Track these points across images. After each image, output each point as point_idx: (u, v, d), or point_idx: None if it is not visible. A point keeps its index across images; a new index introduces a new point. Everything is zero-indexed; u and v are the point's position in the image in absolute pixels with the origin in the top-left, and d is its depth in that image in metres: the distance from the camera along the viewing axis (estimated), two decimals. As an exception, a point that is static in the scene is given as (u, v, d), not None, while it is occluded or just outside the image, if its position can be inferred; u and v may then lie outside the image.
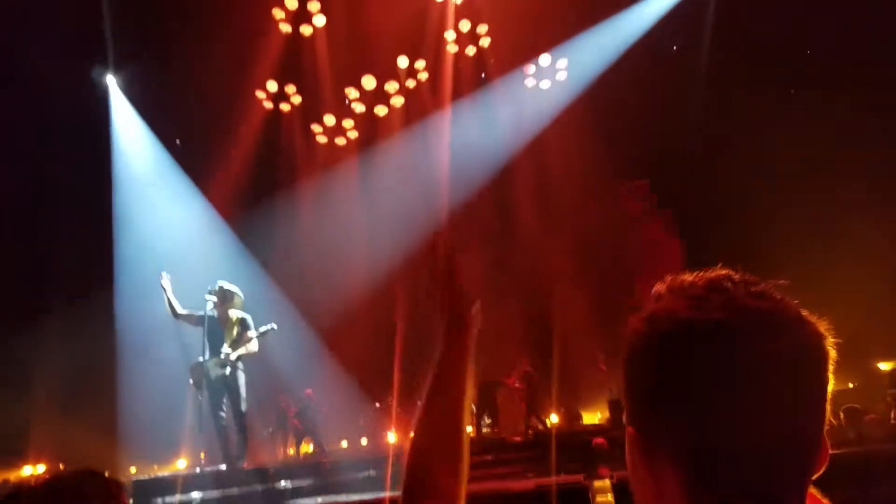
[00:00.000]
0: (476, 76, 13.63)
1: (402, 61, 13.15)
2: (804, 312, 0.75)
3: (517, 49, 12.72)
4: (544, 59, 13.14)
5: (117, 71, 12.35)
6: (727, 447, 0.70)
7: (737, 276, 0.78)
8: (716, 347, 0.71)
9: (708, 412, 0.71)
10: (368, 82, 13.24)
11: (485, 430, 12.17)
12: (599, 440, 8.15)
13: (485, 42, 12.98)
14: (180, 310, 8.27)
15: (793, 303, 0.75)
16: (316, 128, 13.83)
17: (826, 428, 0.75)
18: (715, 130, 11.75)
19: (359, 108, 13.71)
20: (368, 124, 13.90)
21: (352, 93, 13.52)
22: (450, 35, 12.98)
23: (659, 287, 0.81)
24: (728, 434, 0.70)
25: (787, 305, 0.75)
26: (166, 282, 8.18)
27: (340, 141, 13.98)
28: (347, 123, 13.83)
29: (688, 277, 0.80)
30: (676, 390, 0.72)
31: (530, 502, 4.02)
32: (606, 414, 12.30)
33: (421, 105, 13.70)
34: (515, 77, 13.27)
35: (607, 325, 12.37)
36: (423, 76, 13.49)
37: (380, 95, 13.49)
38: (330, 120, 13.69)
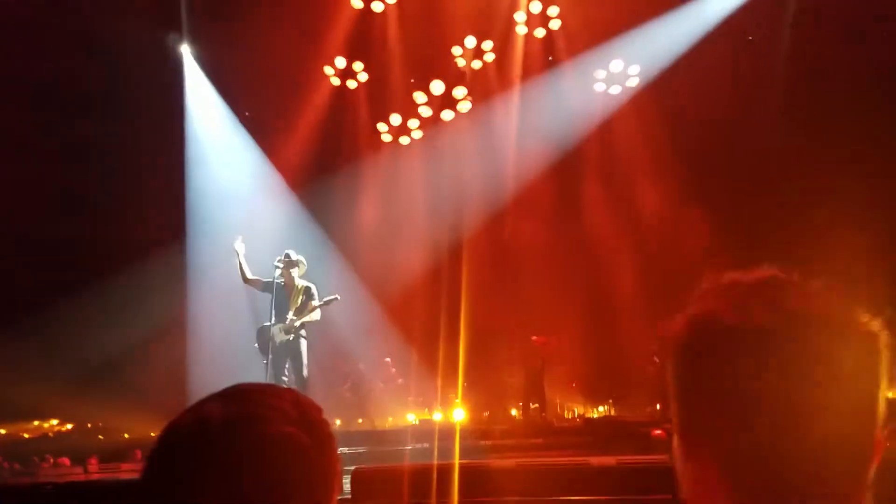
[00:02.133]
0: (544, 59, 13.39)
1: (470, 41, 13.04)
2: (856, 312, 0.73)
3: (588, 33, 12.44)
4: (615, 64, 12.83)
5: (192, 41, 12.58)
6: (771, 452, 0.68)
7: (783, 277, 0.75)
8: (758, 353, 0.69)
9: (750, 417, 0.69)
10: (437, 87, 13.21)
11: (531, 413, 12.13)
12: (659, 431, 8.03)
13: (555, 24, 12.74)
14: (250, 275, 8.50)
15: (843, 302, 0.73)
16: (381, 126, 13.87)
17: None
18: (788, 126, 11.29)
19: (426, 112, 13.68)
20: (434, 125, 13.86)
21: (419, 97, 13.48)
22: (520, 16, 12.79)
23: (703, 287, 0.79)
24: (772, 439, 0.68)
25: (837, 306, 0.72)
26: (240, 246, 8.39)
27: (405, 140, 14.03)
28: (413, 123, 13.83)
29: (733, 277, 0.78)
30: (718, 395, 0.71)
31: (612, 478, 3.94)
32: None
33: (486, 86, 13.57)
34: (584, 64, 12.98)
35: (662, 317, 12.17)
36: (490, 57, 13.35)
37: (448, 100, 13.40)
38: (396, 119, 13.73)
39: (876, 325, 0.72)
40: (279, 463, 0.80)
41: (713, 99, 11.34)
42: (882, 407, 0.71)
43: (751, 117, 11.51)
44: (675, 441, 0.77)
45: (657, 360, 12.27)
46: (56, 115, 10.73)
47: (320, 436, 0.85)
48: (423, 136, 13.89)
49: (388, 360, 12.21)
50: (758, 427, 0.68)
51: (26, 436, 11.42)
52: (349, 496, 4.50)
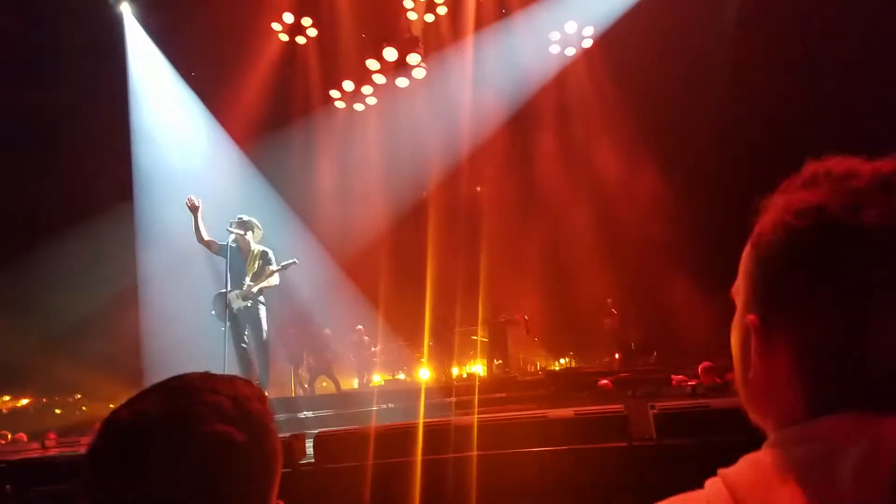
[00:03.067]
0: (497, 12, 13.12)
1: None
2: None
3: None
4: (570, 26, 12.62)
5: (132, -1, 11.96)
6: (863, 352, 0.65)
7: None
8: (865, 255, 0.65)
9: (845, 314, 0.66)
10: (390, 54, 12.80)
11: (495, 369, 12.28)
12: (604, 382, 8.24)
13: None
14: (206, 235, 8.12)
15: None
16: (334, 93, 13.47)
17: None
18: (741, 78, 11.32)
19: (380, 79, 13.32)
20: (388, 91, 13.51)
21: (372, 64, 13.07)
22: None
23: (816, 169, 0.72)
24: (863, 340, 0.65)
25: None
26: (195, 203, 8.04)
27: (359, 107, 13.65)
28: (367, 90, 13.47)
29: (847, 166, 0.71)
30: (811, 288, 0.68)
31: (570, 429, 3.98)
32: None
33: (439, 41, 13.26)
34: (538, 23, 12.76)
35: (618, 268, 12.38)
36: (443, 10, 13.02)
37: (401, 66, 13.02)
38: (349, 86, 13.32)
39: None
40: (212, 462, 0.81)
41: (664, 52, 11.29)
42: None
43: (702, 68, 11.53)
44: (747, 329, 0.73)
45: (615, 312, 12.53)
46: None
47: (258, 431, 0.86)
48: (378, 100, 13.58)
49: (360, 327, 12.13)
50: (849, 327, 0.66)
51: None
52: (312, 460, 4.47)
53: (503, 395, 9.22)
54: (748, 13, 11.19)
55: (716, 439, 3.56)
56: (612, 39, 12.30)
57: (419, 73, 13.14)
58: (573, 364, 13.37)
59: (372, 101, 13.60)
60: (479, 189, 13.36)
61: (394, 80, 13.27)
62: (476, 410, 7.16)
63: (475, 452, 4.01)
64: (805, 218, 0.69)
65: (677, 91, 11.39)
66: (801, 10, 10.60)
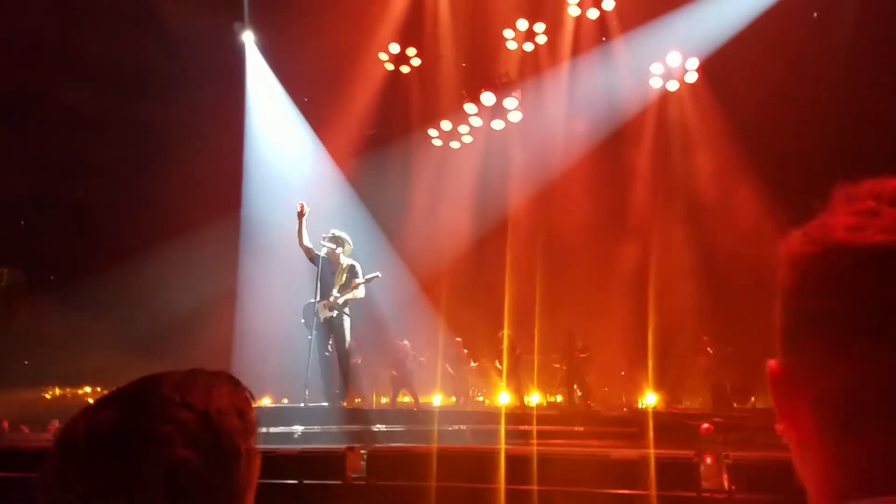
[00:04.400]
0: (597, 40, 12.79)
1: (522, 24, 12.61)
2: None
3: (643, 11, 11.76)
4: (672, 57, 12.04)
5: (254, 28, 12.71)
6: (874, 393, 0.54)
7: None
8: (870, 278, 0.54)
9: (855, 351, 0.55)
10: (488, 98, 12.92)
11: (577, 400, 11.69)
12: (707, 425, 7.48)
13: (608, 5, 12.11)
14: (306, 241, 8.47)
15: None
16: (432, 132, 13.68)
17: None
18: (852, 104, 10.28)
19: (476, 122, 13.44)
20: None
21: (470, 108, 13.22)
22: (572, -4, 12.25)
23: (843, 191, 0.63)
24: (877, 379, 0.54)
25: None
26: (303, 210, 8.34)
27: (455, 145, 13.78)
28: (463, 129, 13.63)
29: (881, 183, 0.61)
30: (818, 323, 0.57)
31: (632, 472, 3.55)
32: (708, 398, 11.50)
33: (537, 68, 13.12)
34: (640, 54, 12.30)
35: (715, 303, 11.49)
36: (542, 39, 12.87)
37: (499, 110, 13.14)
38: (446, 125, 13.52)
39: None
40: (168, 490, 0.73)
41: (771, 78, 10.50)
42: None
43: (811, 97, 10.59)
44: (771, 376, 0.63)
45: (710, 351, 11.60)
46: (123, 96, 11.05)
47: (226, 454, 0.78)
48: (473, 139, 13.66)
49: (458, 339, 11.92)
50: (859, 365, 0.55)
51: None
52: (365, 476, 4.32)
53: (581, 428, 8.70)
54: (862, 37, 10.18)
55: (799, 499, 3.03)
56: (715, 64, 11.60)
57: (515, 117, 13.18)
58: (661, 402, 12.48)
59: (468, 139, 13.76)
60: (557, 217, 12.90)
61: (490, 122, 13.37)
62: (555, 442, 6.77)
63: (523, 486, 3.67)
64: (810, 244, 0.60)
65: (784, 116, 10.52)
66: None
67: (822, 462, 0.57)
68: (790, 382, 0.60)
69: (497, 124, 13.34)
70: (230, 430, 0.79)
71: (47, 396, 12.10)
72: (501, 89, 12.87)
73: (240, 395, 0.85)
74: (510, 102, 12.97)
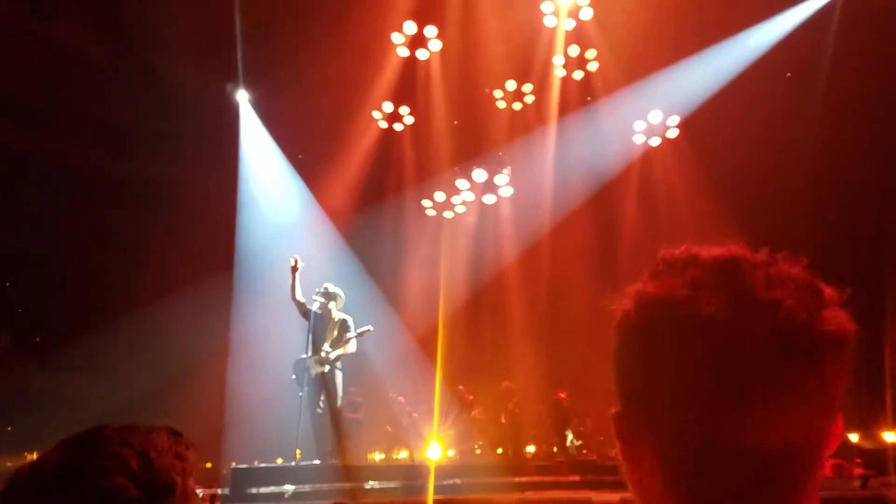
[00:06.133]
0: (582, 100, 13.27)
1: (510, 84, 13.10)
2: (832, 297, 0.62)
3: (626, 73, 12.28)
4: (654, 115, 12.58)
5: (248, 87, 13.06)
6: (711, 454, 0.59)
7: (746, 258, 0.65)
8: (702, 346, 0.59)
9: (688, 414, 0.59)
10: (479, 175, 13.51)
11: (572, 450, 11.57)
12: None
13: (593, 66, 12.64)
14: (299, 295, 8.50)
15: (817, 287, 0.62)
16: (426, 202, 14.15)
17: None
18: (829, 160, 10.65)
19: (469, 197, 14.02)
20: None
21: (462, 184, 13.77)
22: (558, 60, 12.76)
23: (661, 258, 0.68)
24: (713, 440, 0.59)
25: (806, 296, 0.61)
26: (297, 264, 8.41)
27: (448, 215, 14.22)
28: (456, 199, 14.14)
29: (696, 251, 0.67)
30: (653, 382, 0.62)
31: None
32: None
33: (526, 126, 13.56)
34: (622, 111, 12.79)
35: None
36: (530, 99, 13.35)
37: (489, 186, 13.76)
38: (440, 196, 14.03)
39: (841, 318, 0.61)
40: None
41: (751, 135, 10.90)
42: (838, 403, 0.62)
43: (790, 152, 10.97)
44: (615, 424, 0.68)
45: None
46: (115, 154, 11.23)
47: (161, 487, 0.84)
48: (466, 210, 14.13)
49: (461, 387, 11.81)
50: (693, 427, 0.59)
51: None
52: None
53: (577, 478, 8.62)
54: (837, 95, 10.64)
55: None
56: (697, 123, 12.05)
57: (506, 192, 13.73)
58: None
59: (461, 209, 14.27)
60: None
61: (481, 196, 13.94)
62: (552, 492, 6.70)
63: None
64: (642, 307, 0.64)
65: (764, 173, 10.86)
66: (891, 90, 9.99)
67: (661, 493, 0.62)
68: (633, 431, 0.65)
69: (489, 199, 13.84)
70: (167, 466, 0.86)
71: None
72: (493, 166, 13.34)
73: (179, 441, 0.93)
74: (501, 179, 13.42)
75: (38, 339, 12.29)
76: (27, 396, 9.81)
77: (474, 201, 13.98)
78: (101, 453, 0.83)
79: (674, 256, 0.67)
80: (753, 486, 0.59)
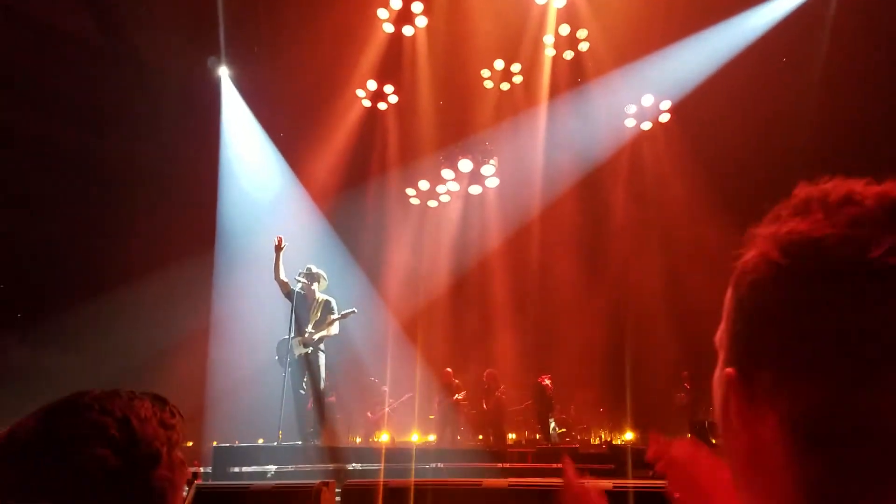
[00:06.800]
0: (572, 81, 13.18)
1: (499, 64, 12.98)
2: None
3: (618, 54, 12.19)
4: (646, 98, 12.51)
5: (230, 64, 12.83)
6: (870, 423, 0.50)
7: None
8: (876, 296, 0.51)
9: (847, 376, 0.51)
10: (465, 165, 13.48)
11: (555, 438, 11.64)
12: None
13: (583, 46, 12.53)
14: (283, 275, 8.46)
15: None
16: (410, 191, 14.04)
17: None
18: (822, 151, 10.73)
19: (454, 187, 13.95)
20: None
21: (448, 174, 13.71)
22: (548, 39, 12.64)
23: (810, 193, 0.59)
24: (874, 408, 0.50)
25: None
26: (281, 244, 8.33)
27: (433, 204, 14.09)
28: (441, 188, 14.08)
29: (850, 187, 0.58)
30: (804, 341, 0.53)
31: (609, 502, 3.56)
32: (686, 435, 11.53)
33: (514, 107, 13.45)
34: (614, 94, 12.73)
35: (692, 340, 11.63)
36: (518, 79, 13.23)
37: (475, 176, 13.72)
38: (424, 185, 13.92)
39: None
40: (82, 487, 0.76)
41: (744, 120, 10.90)
42: None
43: (784, 138, 11.01)
44: (728, 386, 0.59)
45: (687, 387, 11.69)
46: (96, 131, 11.03)
47: (143, 457, 0.81)
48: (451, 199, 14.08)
49: (448, 369, 11.79)
50: (851, 390, 0.51)
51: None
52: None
53: (559, 465, 8.67)
54: (833, 80, 10.67)
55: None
56: (689, 106, 12.03)
57: (493, 182, 13.65)
58: (640, 438, 12.48)
59: (446, 198, 14.19)
60: None
61: (467, 187, 13.90)
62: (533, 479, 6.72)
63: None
64: (792, 251, 0.56)
65: (758, 159, 10.89)
66: (888, 72, 10.03)
67: (783, 480, 0.55)
68: (756, 394, 0.57)
69: (475, 189, 13.79)
70: (150, 435, 0.82)
71: None
72: (479, 157, 13.28)
73: (164, 409, 0.88)
74: (488, 170, 13.34)
75: (18, 315, 12.16)
76: (7, 371, 9.69)
77: (459, 191, 13.92)
78: (79, 421, 0.80)
79: (824, 193, 0.58)
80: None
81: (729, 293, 0.63)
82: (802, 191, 0.60)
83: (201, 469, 7.58)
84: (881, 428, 0.51)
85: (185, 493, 0.88)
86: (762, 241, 0.59)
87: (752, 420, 0.57)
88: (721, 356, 0.63)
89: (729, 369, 0.59)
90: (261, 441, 9.22)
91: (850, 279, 0.52)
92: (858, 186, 0.58)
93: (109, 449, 0.78)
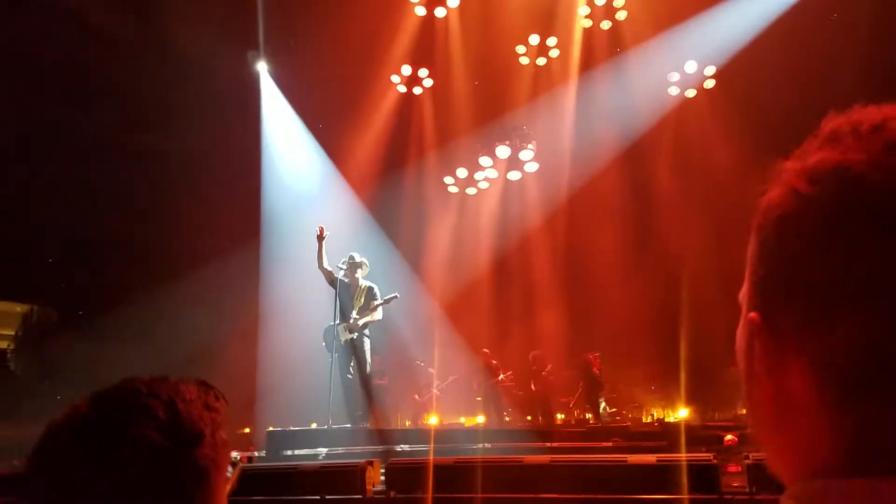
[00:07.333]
0: (611, 52, 12.87)
1: (533, 39, 12.78)
2: None
3: (656, 21, 11.82)
4: (689, 65, 12.12)
5: (268, 57, 13.07)
6: (888, 358, 0.46)
7: None
8: None
9: (886, 313, 0.46)
10: (502, 152, 13.39)
11: (605, 417, 11.57)
12: (731, 437, 7.43)
13: (621, 15, 12.21)
14: (326, 263, 8.68)
15: None
16: (448, 179, 14.02)
17: None
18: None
19: (493, 174, 13.89)
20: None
21: (485, 161, 13.66)
22: (583, 10, 12.37)
23: (840, 122, 0.53)
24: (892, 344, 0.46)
25: None
26: (323, 233, 8.53)
27: (471, 191, 14.02)
28: (479, 175, 14.03)
29: (883, 112, 0.52)
30: (833, 275, 0.49)
31: (651, 476, 3.58)
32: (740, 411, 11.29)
33: (551, 83, 13.24)
34: (656, 63, 12.37)
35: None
36: (555, 53, 13.01)
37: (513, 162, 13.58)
38: (462, 172, 13.88)
39: None
40: (135, 465, 0.81)
41: (792, 83, 10.46)
42: None
43: (834, 100, 10.49)
44: (752, 331, 0.55)
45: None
46: (140, 127, 11.42)
47: (189, 437, 0.86)
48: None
49: (486, 350, 11.86)
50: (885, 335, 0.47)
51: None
52: (385, 489, 4.40)
53: (609, 444, 8.63)
54: (882, 28, 10.11)
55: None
56: (735, 71, 11.60)
57: (531, 168, 13.47)
58: (692, 416, 12.29)
59: (484, 185, 14.14)
60: None
61: (506, 174, 13.85)
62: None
63: (544, 495, 3.72)
64: (821, 182, 0.51)
65: (808, 123, 10.41)
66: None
67: (814, 428, 0.51)
68: (782, 338, 0.53)
69: (514, 175, 13.68)
70: (195, 416, 0.87)
71: None
72: (517, 142, 13.16)
73: (208, 392, 0.92)
74: (526, 154, 13.22)
75: (80, 313, 12.81)
76: (70, 366, 10.25)
77: (498, 178, 13.84)
78: (129, 405, 0.85)
79: (855, 121, 0.53)
80: None
81: (752, 240, 0.57)
82: (832, 121, 0.55)
83: (256, 454, 7.86)
84: None
85: (228, 475, 0.93)
86: (788, 174, 0.54)
87: (777, 367, 0.53)
88: (744, 305, 0.58)
89: (752, 313, 0.55)
90: (313, 425, 9.50)
91: (885, 206, 0.48)
92: (893, 112, 0.53)
93: (156, 430, 0.83)
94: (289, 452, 7.59)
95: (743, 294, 0.59)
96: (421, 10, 12.59)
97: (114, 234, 11.56)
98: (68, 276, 12.40)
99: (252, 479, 4.51)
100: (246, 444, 9.14)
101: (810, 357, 0.50)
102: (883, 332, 0.47)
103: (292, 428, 8.63)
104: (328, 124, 13.43)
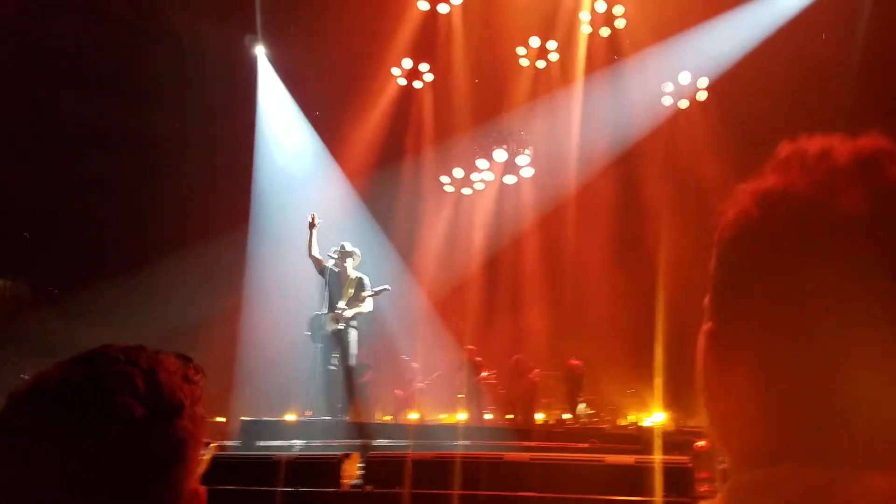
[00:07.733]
0: (609, 59, 12.98)
1: (534, 41, 12.85)
2: None
3: (655, 31, 11.94)
4: (683, 76, 12.25)
5: (266, 42, 12.97)
6: (837, 377, 0.51)
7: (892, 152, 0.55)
8: (841, 249, 0.51)
9: (815, 325, 0.52)
10: (499, 155, 13.42)
11: (582, 418, 11.67)
12: (703, 442, 7.52)
13: (620, 23, 12.31)
14: (316, 251, 8.59)
15: None
16: (444, 178, 14.01)
17: None
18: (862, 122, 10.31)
19: (489, 177, 13.91)
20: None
21: (482, 164, 13.68)
22: (584, 16, 12.44)
23: (787, 152, 0.59)
24: (841, 360, 0.51)
25: None
26: (315, 220, 8.48)
27: (467, 192, 14.06)
28: (475, 176, 14.05)
29: (821, 145, 0.57)
30: (771, 290, 0.54)
31: (628, 476, 3.65)
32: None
33: (550, 86, 13.32)
34: (651, 72, 12.48)
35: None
36: (555, 57, 13.08)
37: (509, 166, 13.63)
38: (458, 173, 13.87)
39: None
40: (108, 435, 0.77)
41: (783, 98, 10.61)
42: None
43: (824, 117, 10.68)
44: (706, 339, 0.61)
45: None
46: (132, 108, 11.33)
47: (167, 408, 0.82)
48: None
49: (471, 347, 11.89)
50: (821, 341, 0.52)
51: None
52: (362, 482, 4.42)
53: (585, 445, 8.72)
54: (875, 58, 10.28)
55: None
56: (727, 83, 11.74)
57: (528, 172, 13.52)
58: (671, 420, 12.42)
59: (480, 186, 14.15)
60: None
61: (501, 177, 13.92)
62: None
63: (522, 493, 3.78)
64: (768, 205, 0.56)
65: (796, 134, 10.57)
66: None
67: (752, 424, 0.56)
68: (730, 346, 0.58)
69: (509, 179, 13.73)
70: (174, 387, 0.84)
71: None
72: (514, 146, 13.20)
73: (188, 365, 0.89)
74: (523, 160, 13.29)
75: (55, 290, 12.64)
76: (43, 343, 10.14)
77: (493, 180, 13.89)
78: (106, 371, 0.81)
79: (803, 149, 0.58)
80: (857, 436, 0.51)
81: (712, 255, 0.63)
82: (785, 148, 0.60)
83: (228, 443, 7.68)
84: (846, 382, 0.51)
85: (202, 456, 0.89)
86: (742, 196, 0.59)
87: (726, 372, 0.58)
88: (704, 317, 0.63)
89: (707, 323, 0.61)
90: (291, 416, 9.47)
91: (820, 229, 0.53)
92: (836, 142, 0.58)
93: (135, 398, 0.79)
94: (262, 444, 7.36)
95: (705, 304, 0.64)
96: (424, 5, 12.58)
97: (97, 213, 11.45)
98: (45, 253, 12.25)
99: (223, 468, 4.39)
100: (219, 434, 9.03)
101: (750, 368, 0.56)
102: (804, 349, 0.52)
103: (267, 418, 8.48)
104: (325, 113, 13.37)
